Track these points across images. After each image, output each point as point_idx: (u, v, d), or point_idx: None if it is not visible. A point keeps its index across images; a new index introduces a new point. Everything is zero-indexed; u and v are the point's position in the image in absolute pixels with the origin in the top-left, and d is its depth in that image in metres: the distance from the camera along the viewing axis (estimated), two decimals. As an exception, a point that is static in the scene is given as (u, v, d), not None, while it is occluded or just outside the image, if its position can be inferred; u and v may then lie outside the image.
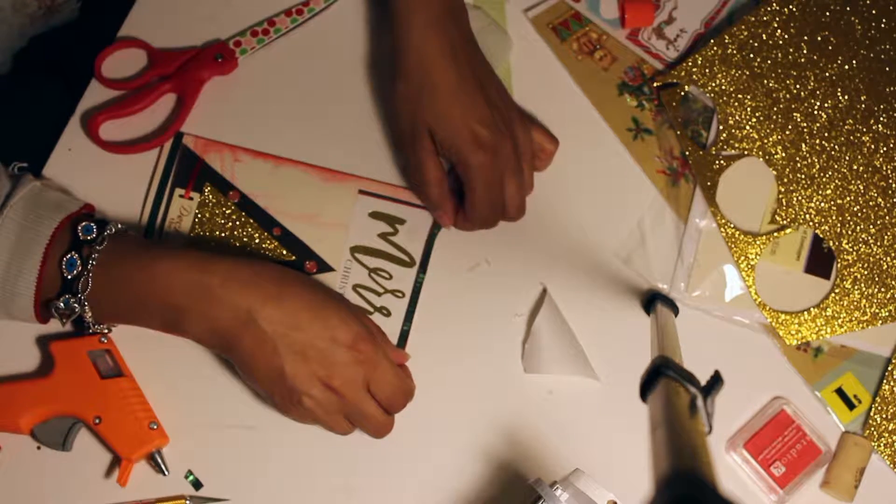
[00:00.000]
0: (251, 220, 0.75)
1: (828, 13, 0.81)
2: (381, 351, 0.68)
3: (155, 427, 0.70)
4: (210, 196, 0.75)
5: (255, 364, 0.65)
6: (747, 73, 0.80)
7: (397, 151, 0.77)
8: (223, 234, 0.75)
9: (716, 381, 0.53)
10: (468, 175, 0.71)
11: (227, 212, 0.75)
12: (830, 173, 0.79)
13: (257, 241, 0.75)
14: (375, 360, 0.67)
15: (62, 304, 0.66)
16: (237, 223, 0.75)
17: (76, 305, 0.66)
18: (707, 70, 0.80)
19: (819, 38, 0.81)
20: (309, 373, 0.65)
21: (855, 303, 0.77)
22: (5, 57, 0.84)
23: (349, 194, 0.76)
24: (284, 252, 0.75)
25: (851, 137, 0.79)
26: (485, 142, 0.69)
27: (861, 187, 0.79)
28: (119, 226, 0.68)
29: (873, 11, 0.81)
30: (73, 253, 0.65)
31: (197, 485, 0.71)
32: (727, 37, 0.80)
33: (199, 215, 0.75)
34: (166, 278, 0.65)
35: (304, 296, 0.66)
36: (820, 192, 0.78)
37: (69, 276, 0.65)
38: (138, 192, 0.75)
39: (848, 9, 0.81)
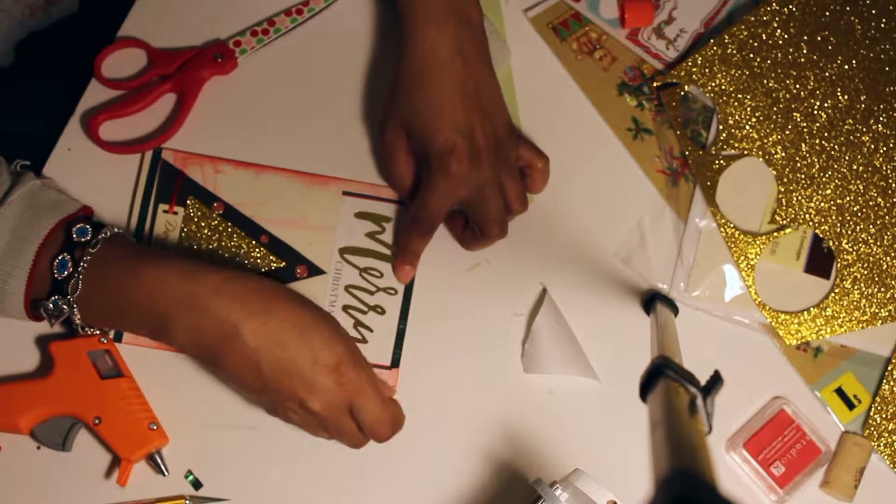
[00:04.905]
0: (238, 230, 0.75)
1: (828, 13, 0.81)
2: (365, 377, 0.66)
3: (154, 427, 0.70)
4: (194, 209, 0.75)
5: (238, 378, 0.65)
6: (747, 72, 0.80)
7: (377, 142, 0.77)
8: (210, 246, 0.74)
9: (716, 381, 0.53)
10: (428, 176, 0.71)
11: (213, 223, 0.75)
12: (830, 173, 0.79)
13: (245, 250, 0.74)
14: (358, 386, 0.65)
15: (51, 305, 0.65)
16: (224, 234, 0.75)
17: (65, 307, 0.65)
18: (707, 70, 0.80)
19: (819, 38, 0.81)
20: (290, 392, 0.64)
21: (855, 303, 0.77)
22: (7, 48, 0.84)
23: (333, 197, 0.76)
24: (274, 259, 0.75)
25: (851, 137, 0.79)
26: (459, 155, 0.69)
27: (861, 187, 0.79)
28: (115, 230, 0.67)
29: (873, 11, 0.81)
30: (64, 254, 0.65)
31: (197, 485, 0.71)
32: (727, 37, 0.80)
33: (185, 229, 0.74)
34: (155, 286, 0.64)
35: (291, 314, 0.65)
36: (820, 192, 0.78)
37: (59, 278, 0.65)
38: (135, 195, 0.75)
39: (848, 9, 0.81)
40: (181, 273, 0.65)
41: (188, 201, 0.75)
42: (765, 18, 0.81)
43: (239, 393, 0.70)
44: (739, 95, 0.80)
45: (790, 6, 0.81)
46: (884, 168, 0.79)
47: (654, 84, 0.80)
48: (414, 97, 0.70)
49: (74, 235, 0.66)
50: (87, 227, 0.66)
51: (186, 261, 0.66)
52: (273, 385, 0.64)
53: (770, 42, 0.81)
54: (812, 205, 0.78)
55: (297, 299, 0.67)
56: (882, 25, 0.81)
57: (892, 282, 0.77)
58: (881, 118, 0.80)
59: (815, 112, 0.80)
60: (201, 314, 0.64)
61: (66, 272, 0.65)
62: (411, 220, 0.73)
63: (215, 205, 0.75)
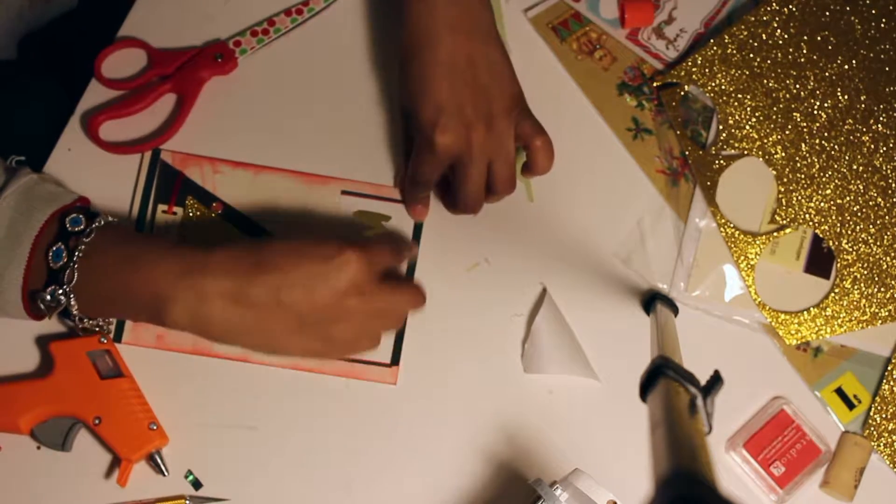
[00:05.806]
0: (237, 230, 0.75)
1: (828, 13, 0.81)
2: (377, 293, 0.65)
3: (154, 427, 0.70)
4: (193, 209, 0.75)
5: (252, 346, 0.65)
6: (747, 72, 0.80)
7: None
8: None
9: (716, 381, 0.53)
10: (416, 147, 0.71)
11: (212, 224, 0.75)
12: (830, 173, 0.79)
13: None
14: (377, 249, 0.66)
15: (48, 296, 0.65)
16: (223, 234, 0.75)
17: (62, 297, 0.65)
18: (707, 70, 0.80)
19: (819, 38, 0.81)
20: (304, 346, 0.65)
21: (855, 303, 0.77)
22: (8, 41, 0.83)
23: (332, 196, 0.76)
24: None
25: (851, 137, 0.79)
26: (441, 132, 0.68)
27: (861, 187, 0.79)
28: (110, 218, 0.67)
29: (873, 11, 0.81)
30: (59, 244, 0.65)
31: (197, 485, 0.71)
32: (727, 37, 0.80)
33: (184, 229, 0.74)
34: (150, 269, 0.64)
35: (282, 251, 0.64)
36: (820, 191, 0.78)
37: (55, 267, 0.65)
38: (135, 195, 0.75)
39: (848, 9, 0.81)
40: (174, 253, 0.65)
41: (187, 201, 0.75)
42: (765, 18, 0.81)
43: (268, 346, 0.67)
44: (739, 95, 0.80)
45: (790, 6, 0.81)
46: (884, 168, 0.79)
47: (654, 84, 0.80)
48: (404, 75, 0.71)
49: (68, 225, 0.66)
50: (81, 216, 0.66)
51: (179, 244, 0.66)
52: (292, 345, 0.65)
53: (770, 42, 0.81)
54: (812, 205, 0.78)
55: (285, 242, 0.66)
56: (882, 25, 0.81)
57: (892, 282, 0.77)
58: (881, 118, 0.80)
59: (815, 112, 0.80)
60: (197, 289, 0.63)
61: (61, 262, 0.65)
62: (409, 178, 0.74)
63: (214, 205, 0.75)
